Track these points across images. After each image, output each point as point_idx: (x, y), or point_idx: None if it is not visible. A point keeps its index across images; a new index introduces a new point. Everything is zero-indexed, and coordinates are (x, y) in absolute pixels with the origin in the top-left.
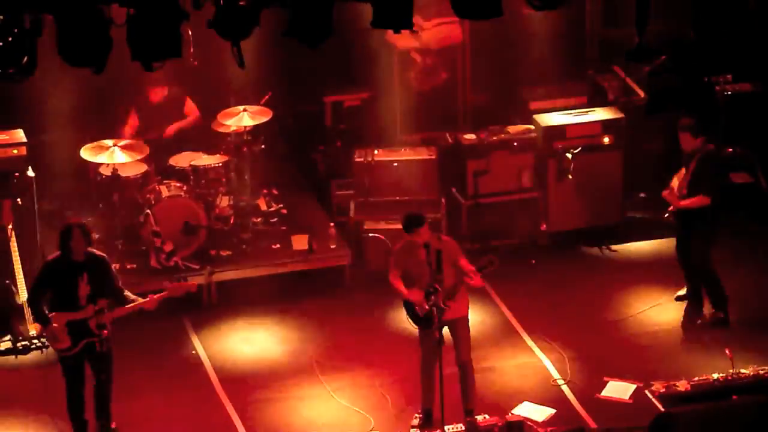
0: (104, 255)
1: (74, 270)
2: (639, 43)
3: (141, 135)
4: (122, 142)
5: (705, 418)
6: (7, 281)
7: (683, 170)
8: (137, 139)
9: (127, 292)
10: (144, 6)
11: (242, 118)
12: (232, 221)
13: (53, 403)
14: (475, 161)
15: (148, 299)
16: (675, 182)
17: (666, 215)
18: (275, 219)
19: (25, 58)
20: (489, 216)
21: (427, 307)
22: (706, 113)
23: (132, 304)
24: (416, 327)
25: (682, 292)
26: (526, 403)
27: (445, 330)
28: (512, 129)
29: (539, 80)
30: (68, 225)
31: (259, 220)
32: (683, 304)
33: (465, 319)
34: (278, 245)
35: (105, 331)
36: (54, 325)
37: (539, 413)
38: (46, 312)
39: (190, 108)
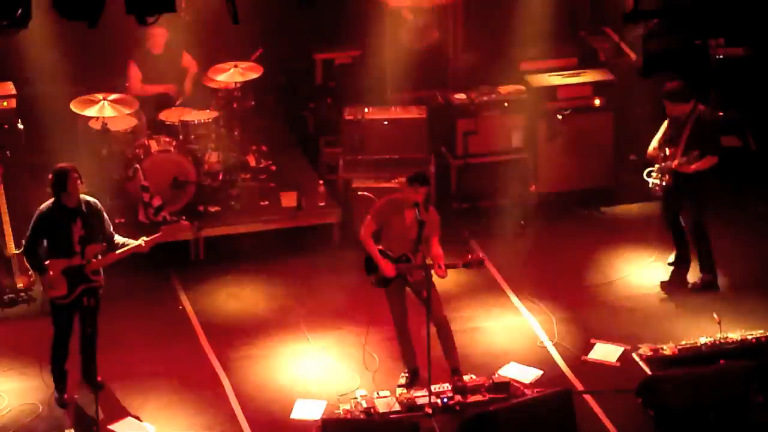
0: (96, 200)
1: (68, 216)
2: (635, 5)
3: (145, 90)
4: (112, 96)
5: (692, 382)
6: None
7: (663, 130)
8: (144, 93)
9: (118, 237)
10: None
11: (233, 74)
12: (220, 177)
13: (39, 356)
14: (465, 121)
15: (141, 242)
16: (654, 149)
17: (655, 185)
18: (264, 176)
19: (19, 11)
20: (478, 176)
21: (393, 274)
22: (698, 76)
23: (125, 248)
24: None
25: (673, 257)
26: (512, 364)
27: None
28: (503, 89)
29: (531, 41)
30: (63, 170)
31: (248, 176)
32: (671, 266)
33: (430, 281)
34: (267, 202)
35: (100, 277)
36: (50, 273)
37: (526, 374)
38: (43, 260)
39: (188, 61)
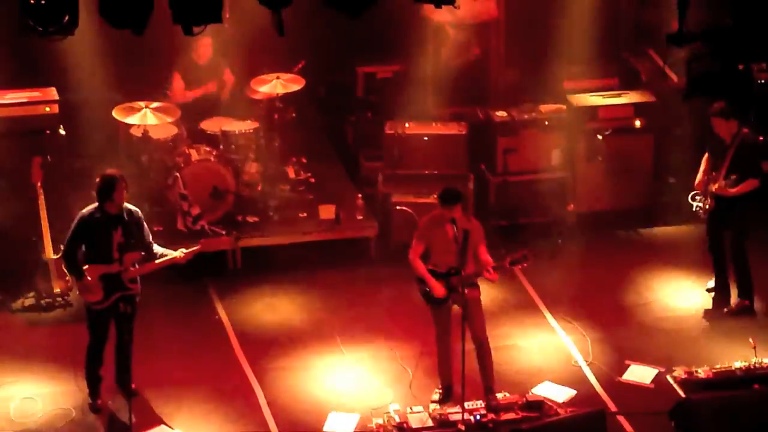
0: (137, 209)
1: (109, 223)
2: (680, 27)
3: (186, 96)
4: (154, 104)
5: (726, 406)
6: (34, 238)
7: (707, 156)
8: (186, 99)
9: (157, 247)
10: None
11: (275, 85)
12: (259, 188)
13: (74, 361)
14: (505, 138)
15: (180, 253)
16: (701, 175)
17: (699, 208)
18: (303, 187)
19: (66, 17)
20: (517, 194)
21: (444, 294)
22: (740, 100)
23: (164, 259)
24: (428, 305)
25: (712, 283)
26: (546, 383)
27: (458, 308)
28: (544, 108)
29: (573, 60)
30: (112, 177)
31: (287, 187)
32: (709, 293)
33: (478, 299)
34: (305, 214)
35: (136, 286)
36: (88, 278)
37: (560, 393)
38: (81, 265)
39: (229, 76)
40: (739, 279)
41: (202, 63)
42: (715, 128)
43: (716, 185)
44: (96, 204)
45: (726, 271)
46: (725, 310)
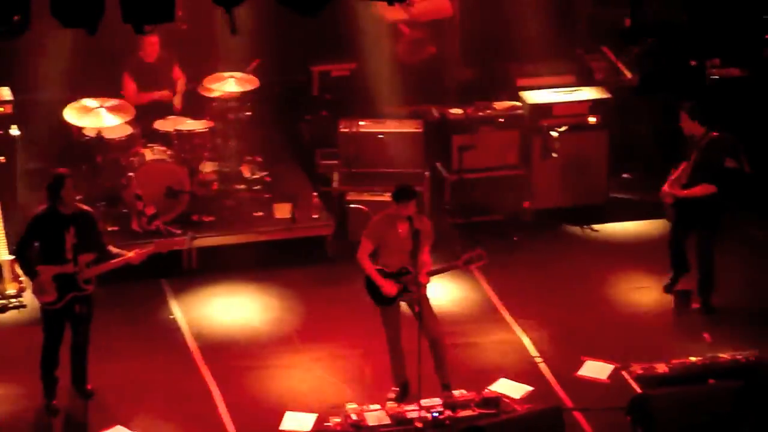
0: (91, 209)
1: (61, 223)
2: (632, 24)
3: (140, 98)
4: (108, 103)
5: (681, 401)
6: None
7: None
8: (140, 101)
9: (111, 247)
10: None
11: (229, 84)
12: (215, 187)
13: (30, 363)
14: (460, 136)
15: (133, 254)
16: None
17: (666, 212)
18: (259, 186)
19: (17, 17)
20: (473, 191)
21: (395, 292)
22: (694, 96)
23: (118, 259)
24: (377, 306)
25: (669, 280)
26: (503, 380)
27: (406, 306)
28: (499, 105)
29: (527, 57)
30: (59, 175)
31: (242, 187)
32: (666, 289)
33: (425, 296)
34: (261, 213)
35: (90, 286)
36: (41, 277)
37: (516, 390)
38: (35, 265)
39: (178, 73)
40: (703, 278)
41: (151, 61)
42: (683, 123)
43: (666, 185)
44: (50, 204)
45: (682, 269)
46: (692, 309)
